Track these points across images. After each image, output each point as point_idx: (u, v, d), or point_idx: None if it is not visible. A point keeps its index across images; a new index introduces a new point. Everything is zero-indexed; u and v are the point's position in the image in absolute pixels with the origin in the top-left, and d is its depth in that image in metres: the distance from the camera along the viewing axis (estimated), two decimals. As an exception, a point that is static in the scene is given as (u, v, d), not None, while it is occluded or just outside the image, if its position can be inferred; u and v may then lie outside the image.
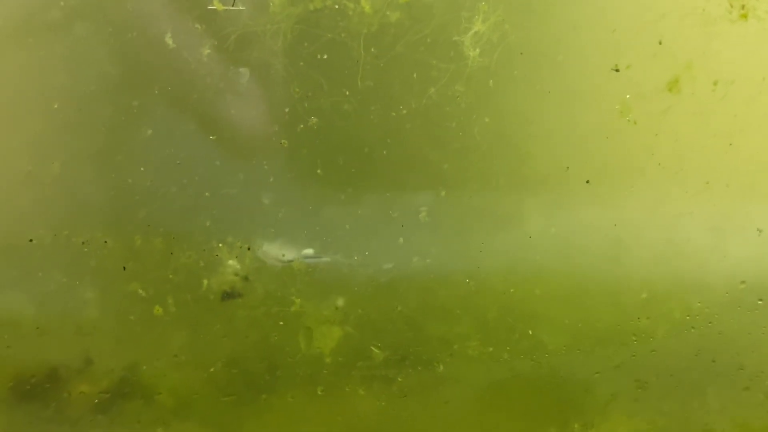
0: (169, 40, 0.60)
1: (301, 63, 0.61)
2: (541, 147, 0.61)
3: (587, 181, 0.60)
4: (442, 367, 0.63)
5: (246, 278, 0.62)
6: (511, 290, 0.63)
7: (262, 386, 0.63)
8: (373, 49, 0.61)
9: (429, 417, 0.64)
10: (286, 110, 0.61)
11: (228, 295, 0.63)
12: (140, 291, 0.62)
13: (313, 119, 0.61)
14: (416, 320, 0.63)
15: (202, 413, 0.64)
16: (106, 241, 0.61)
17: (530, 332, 0.62)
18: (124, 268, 0.61)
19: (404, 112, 0.61)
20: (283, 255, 0.63)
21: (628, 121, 0.59)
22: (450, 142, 0.62)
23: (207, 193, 0.60)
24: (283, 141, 0.61)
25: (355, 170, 0.62)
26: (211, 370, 0.63)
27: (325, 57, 0.61)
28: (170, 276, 0.61)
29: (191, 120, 0.61)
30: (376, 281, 0.62)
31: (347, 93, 0.61)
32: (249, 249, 0.61)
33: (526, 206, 0.62)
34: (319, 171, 0.61)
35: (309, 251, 0.63)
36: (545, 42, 0.60)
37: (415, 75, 0.60)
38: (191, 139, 0.61)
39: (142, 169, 0.61)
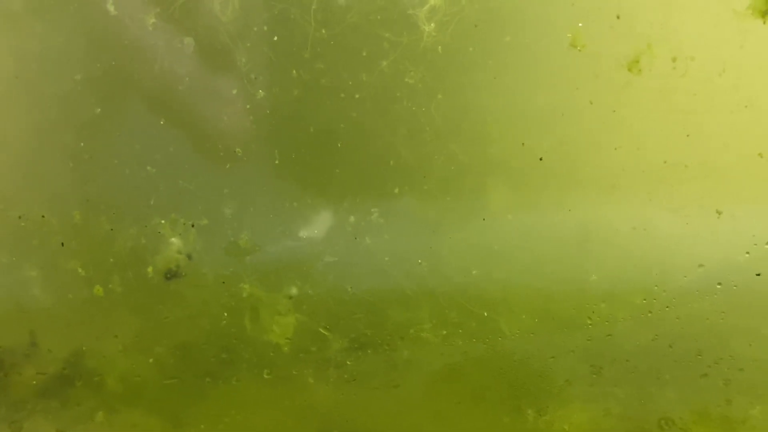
0: (110, 7, 0.58)
1: (249, 43, 0.59)
2: (497, 123, 0.59)
3: (540, 159, 0.58)
4: (393, 350, 0.61)
5: (189, 256, 0.60)
6: (473, 272, 0.61)
7: (206, 369, 0.61)
8: (323, 30, 0.59)
9: (378, 401, 0.62)
10: (234, 91, 0.59)
11: (172, 275, 0.60)
12: (80, 270, 0.60)
13: (261, 93, 0.58)
14: (368, 302, 0.61)
15: (145, 396, 0.62)
16: (43, 216, 0.59)
17: (485, 314, 0.61)
18: (63, 244, 0.59)
19: (357, 96, 0.59)
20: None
21: (582, 91, 0.58)
22: (403, 119, 0.60)
23: (149, 168, 0.58)
24: (229, 116, 0.59)
25: (309, 151, 0.60)
26: (154, 352, 0.61)
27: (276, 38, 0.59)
28: (111, 255, 0.59)
29: (134, 92, 0.59)
30: (325, 261, 0.60)
31: (294, 72, 0.59)
32: (193, 226, 0.59)
33: (482, 185, 0.60)
34: (268, 149, 0.59)
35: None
36: (502, 15, 0.58)
37: (364, 52, 0.58)
38: (134, 112, 0.59)
39: (82, 144, 0.58)
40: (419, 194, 0.60)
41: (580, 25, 0.57)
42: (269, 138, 0.60)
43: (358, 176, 0.60)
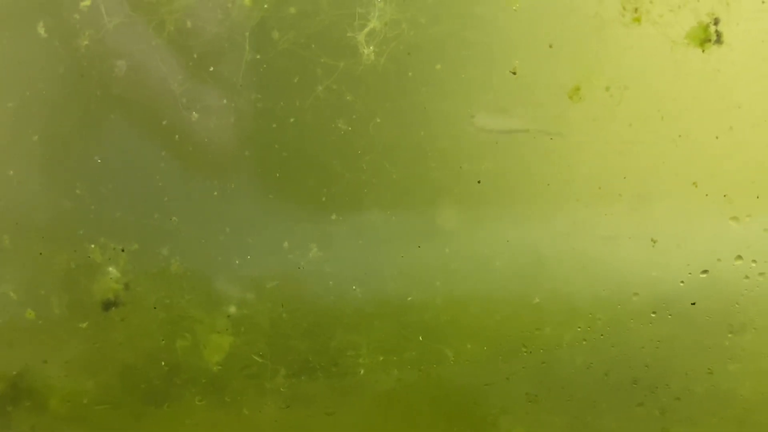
0: (41, 30, 0.57)
1: (181, 76, 0.58)
2: (436, 146, 0.59)
3: (479, 182, 0.58)
4: (326, 376, 0.60)
5: (126, 286, 0.59)
6: (409, 298, 0.60)
7: (138, 395, 0.60)
8: (258, 53, 0.58)
9: (312, 429, 0.61)
10: (167, 117, 0.59)
11: (109, 304, 0.60)
12: (11, 293, 0.59)
13: (195, 115, 0.58)
14: (303, 327, 0.60)
15: (76, 421, 0.61)
16: (-28, 240, 0.58)
17: (420, 338, 0.60)
18: (-8, 268, 0.58)
19: (291, 120, 0.59)
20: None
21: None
22: (342, 143, 0.59)
23: (78, 191, 0.58)
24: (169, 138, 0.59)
25: (243, 174, 0.60)
26: (87, 378, 0.60)
27: (212, 68, 0.58)
28: (41, 278, 0.59)
29: (66, 113, 0.58)
30: (259, 286, 0.60)
31: (229, 97, 0.59)
32: (123, 251, 0.59)
33: (422, 208, 0.60)
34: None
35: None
36: (441, 40, 0.58)
37: (296, 79, 0.58)
38: (65, 136, 0.58)
39: (11, 173, 0.58)
40: (358, 219, 0.60)
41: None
42: (206, 160, 0.59)
43: (295, 201, 0.60)
